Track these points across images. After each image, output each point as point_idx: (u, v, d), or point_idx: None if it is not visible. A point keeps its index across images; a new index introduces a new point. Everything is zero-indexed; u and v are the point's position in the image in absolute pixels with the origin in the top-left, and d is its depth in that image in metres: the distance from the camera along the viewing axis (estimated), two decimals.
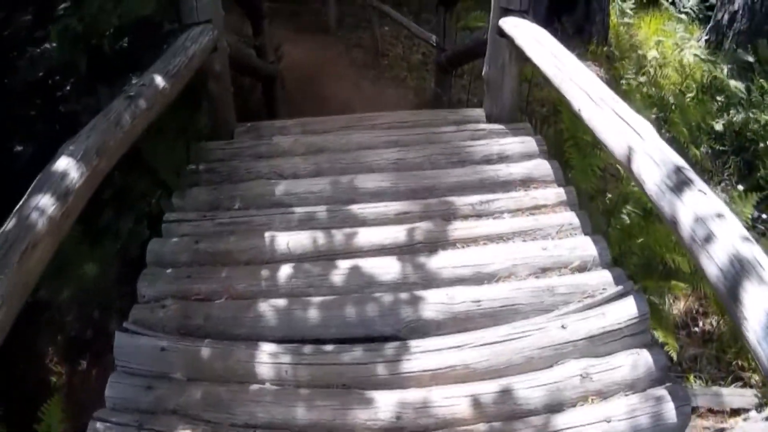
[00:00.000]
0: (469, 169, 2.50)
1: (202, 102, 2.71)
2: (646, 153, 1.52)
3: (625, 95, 5.02)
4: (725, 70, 7.17)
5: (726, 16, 8.56)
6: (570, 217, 2.24)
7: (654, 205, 1.47)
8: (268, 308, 1.89)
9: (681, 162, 1.46)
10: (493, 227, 2.22)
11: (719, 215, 1.22)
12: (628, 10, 8.25)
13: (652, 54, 7.84)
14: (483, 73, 2.93)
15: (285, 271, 2.04)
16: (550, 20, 8.04)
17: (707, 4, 9.53)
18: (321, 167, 2.58)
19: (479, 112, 2.95)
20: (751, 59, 8.38)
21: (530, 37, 2.44)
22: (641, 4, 9.01)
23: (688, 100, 6.35)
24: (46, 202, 1.38)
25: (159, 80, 2.07)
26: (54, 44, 2.30)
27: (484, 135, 2.74)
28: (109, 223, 2.33)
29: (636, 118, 1.68)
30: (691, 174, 1.39)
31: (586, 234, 2.17)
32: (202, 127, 2.67)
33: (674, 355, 2.65)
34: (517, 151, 2.61)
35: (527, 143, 2.64)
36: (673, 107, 5.22)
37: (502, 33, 2.68)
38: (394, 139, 2.72)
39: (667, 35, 8.08)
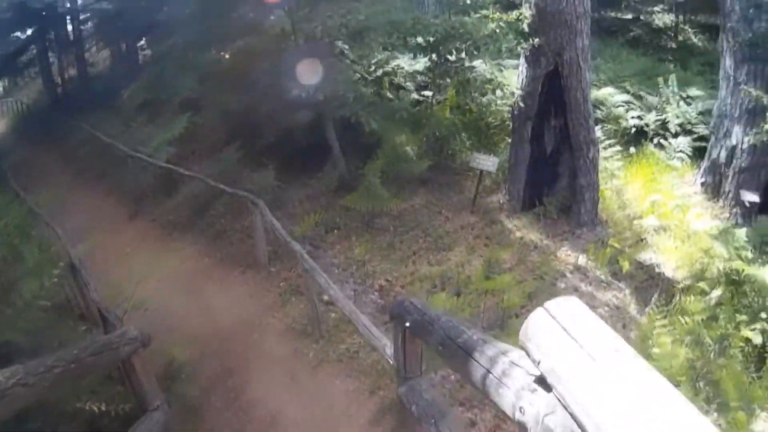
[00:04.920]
0: None
1: None
2: None
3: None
4: (746, 250, 5.95)
5: (723, 153, 7.46)
6: None
7: None
8: None
9: None
10: None
11: None
12: (617, 171, 7.10)
13: (649, 222, 6.70)
14: None
15: None
16: (531, 201, 6.82)
17: (695, 135, 8.47)
18: None
19: None
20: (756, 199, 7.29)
21: None
22: (623, 151, 7.99)
23: (714, 306, 5.30)
24: None
25: None
26: None
27: None
28: None
29: None
30: None
31: None
32: None
33: None
34: None
35: None
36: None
37: None
38: None
39: (664, 194, 6.93)
